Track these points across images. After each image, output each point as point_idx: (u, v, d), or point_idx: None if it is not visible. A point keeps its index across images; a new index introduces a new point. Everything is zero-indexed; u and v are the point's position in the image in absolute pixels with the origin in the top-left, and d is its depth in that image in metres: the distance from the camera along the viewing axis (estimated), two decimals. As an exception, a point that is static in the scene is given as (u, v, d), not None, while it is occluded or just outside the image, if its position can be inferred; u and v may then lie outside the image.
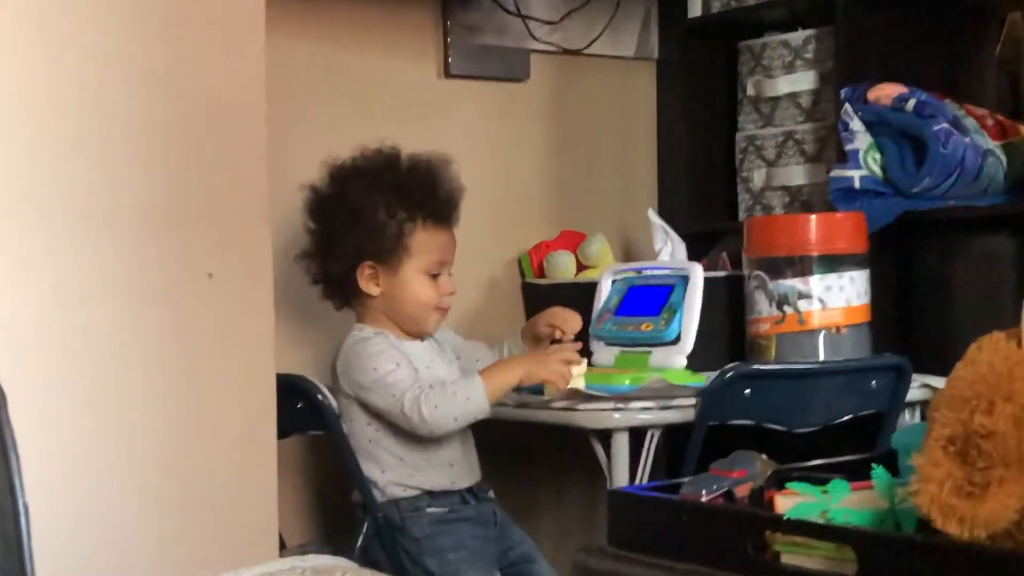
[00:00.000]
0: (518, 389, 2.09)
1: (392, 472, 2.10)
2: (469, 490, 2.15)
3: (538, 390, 2.08)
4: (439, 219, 2.14)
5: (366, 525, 2.10)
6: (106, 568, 1.67)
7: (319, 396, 2.08)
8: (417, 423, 2.02)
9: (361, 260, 2.12)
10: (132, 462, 1.71)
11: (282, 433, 1.89)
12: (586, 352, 2.22)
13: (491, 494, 2.19)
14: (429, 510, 2.10)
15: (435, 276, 2.13)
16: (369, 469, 2.10)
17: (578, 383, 2.04)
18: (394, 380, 2.04)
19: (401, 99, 2.56)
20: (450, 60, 2.61)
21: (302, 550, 2.08)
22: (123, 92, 1.70)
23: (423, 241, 2.12)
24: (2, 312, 1.59)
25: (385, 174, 2.14)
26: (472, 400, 2.01)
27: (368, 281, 2.13)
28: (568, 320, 2.20)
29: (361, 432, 2.10)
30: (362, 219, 2.10)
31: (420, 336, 2.17)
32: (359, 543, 2.09)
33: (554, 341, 2.19)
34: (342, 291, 2.17)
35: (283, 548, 2.07)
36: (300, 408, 2.09)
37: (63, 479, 1.63)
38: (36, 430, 1.48)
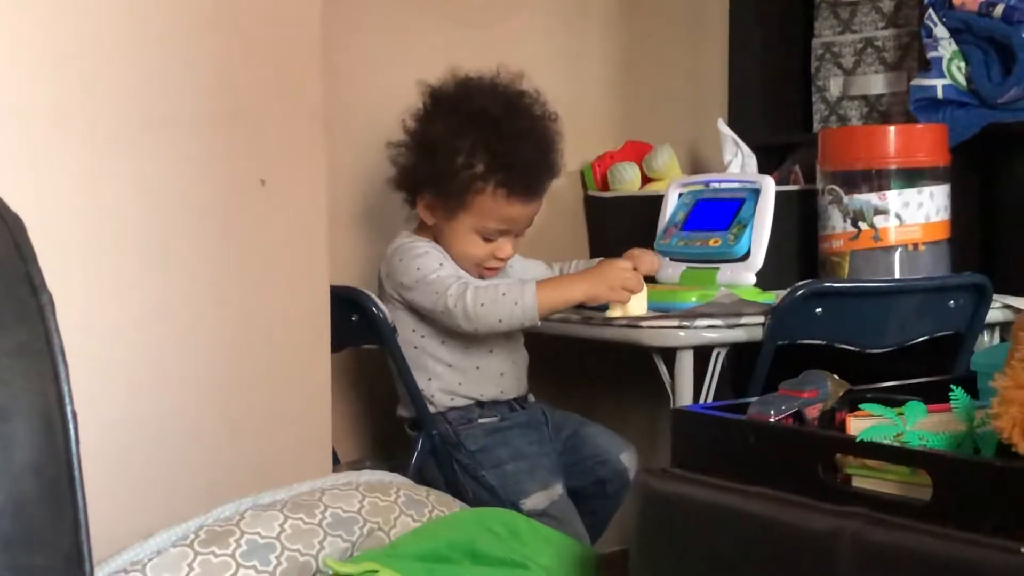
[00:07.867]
0: (580, 307, 2.03)
1: (440, 380, 2.07)
2: (515, 399, 2.12)
3: (601, 307, 2.02)
4: (515, 192, 2.03)
5: (420, 442, 2.07)
6: (156, 481, 1.66)
7: (374, 309, 2.03)
8: (461, 319, 1.95)
9: (422, 190, 2.07)
10: (183, 374, 1.69)
11: (336, 346, 1.86)
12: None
13: (531, 398, 2.16)
14: (481, 420, 2.07)
15: (488, 239, 2.05)
16: (417, 378, 2.06)
17: (640, 309, 1.98)
18: (437, 277, 1.98)
19: (463, 3, 2.48)
20: (512, -36, 2.53)
21: (356, 466, 2.07)
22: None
23: (486, 205, 2.02)
24: (50, 220, 1.55)
25: (484, 120, 2.02)
26: (520, 306, 1.93)
27: (425, 210, 2.08)
28: (646, 262, 2.08)
29: (407, 339, 2.06)
30: (437, 156, 2.03)
31: None
32: (413, 460, 2.06)
33: None
34: (410, 196, 2.12)
35: (336, 464, 2.05)
36: (355, 321, 2.05)
37: (113, 391, 1.61)
38: (86, 339, 1.47)
